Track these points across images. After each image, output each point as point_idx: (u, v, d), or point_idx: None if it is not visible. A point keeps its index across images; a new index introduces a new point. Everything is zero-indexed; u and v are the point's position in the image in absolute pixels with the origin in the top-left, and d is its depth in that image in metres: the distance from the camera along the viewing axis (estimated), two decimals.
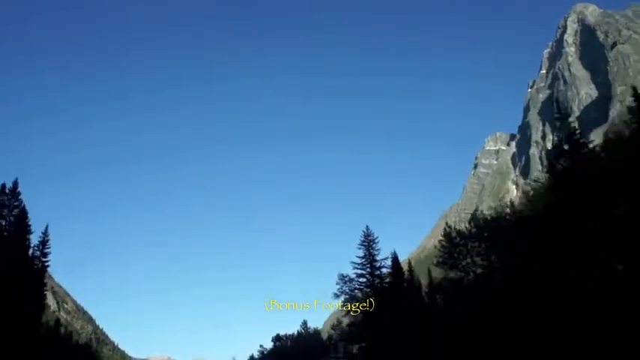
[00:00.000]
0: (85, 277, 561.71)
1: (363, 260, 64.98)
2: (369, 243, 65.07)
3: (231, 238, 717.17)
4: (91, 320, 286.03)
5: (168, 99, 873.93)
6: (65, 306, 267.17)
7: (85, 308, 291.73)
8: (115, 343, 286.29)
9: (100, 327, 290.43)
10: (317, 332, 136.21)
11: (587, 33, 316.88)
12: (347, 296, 65.86)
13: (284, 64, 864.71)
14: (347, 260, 68.26)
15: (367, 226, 65.47)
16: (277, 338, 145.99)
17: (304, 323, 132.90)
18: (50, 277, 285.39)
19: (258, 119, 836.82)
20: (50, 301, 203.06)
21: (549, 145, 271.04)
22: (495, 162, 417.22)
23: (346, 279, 64.81)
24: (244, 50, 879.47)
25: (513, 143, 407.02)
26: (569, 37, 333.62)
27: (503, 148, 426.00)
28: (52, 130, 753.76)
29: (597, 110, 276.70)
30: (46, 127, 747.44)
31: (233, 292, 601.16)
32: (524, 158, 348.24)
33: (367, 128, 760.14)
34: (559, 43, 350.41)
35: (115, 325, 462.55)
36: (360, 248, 65.07)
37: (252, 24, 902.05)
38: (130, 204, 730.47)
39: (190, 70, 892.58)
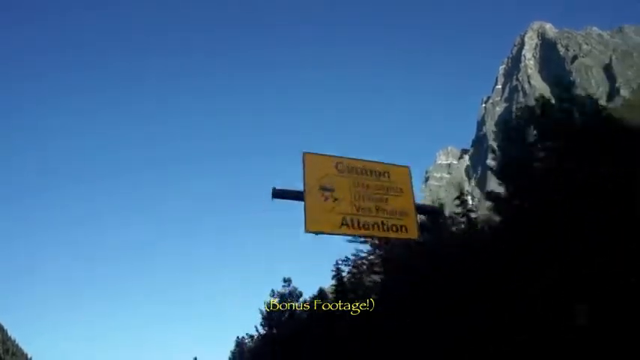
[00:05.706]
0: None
1: None
2: None
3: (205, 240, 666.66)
4: (0, 329, 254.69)
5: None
6: None
7: None
8: (29, 356, 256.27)
9: (12, 337, 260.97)
10: None
11: (547, 47, 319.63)
12: None
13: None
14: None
15: None
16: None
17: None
18: None
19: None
20: None
21: None
22: (447, 175, 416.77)
23: None
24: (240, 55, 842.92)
25: (466, 157, 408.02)
26: (528, 52, 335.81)
27: (455, 162, 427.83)
28: None
29: None
30: None
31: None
32: (479, 170, 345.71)
33: (319, 139, 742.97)
34: (516, 59, 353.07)
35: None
36: None
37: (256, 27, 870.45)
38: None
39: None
